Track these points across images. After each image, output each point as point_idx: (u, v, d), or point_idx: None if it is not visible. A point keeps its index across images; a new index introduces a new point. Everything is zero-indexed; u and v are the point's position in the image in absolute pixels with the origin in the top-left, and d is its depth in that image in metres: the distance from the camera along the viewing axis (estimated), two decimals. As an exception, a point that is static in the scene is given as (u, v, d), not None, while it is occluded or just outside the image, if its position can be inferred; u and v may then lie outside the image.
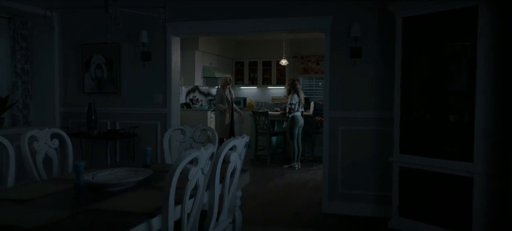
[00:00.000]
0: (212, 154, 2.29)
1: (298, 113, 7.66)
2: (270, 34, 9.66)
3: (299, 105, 7.68)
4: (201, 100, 10.82)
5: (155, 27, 5.23)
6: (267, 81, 11.61)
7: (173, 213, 2.00)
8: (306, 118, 8.04)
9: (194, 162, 2.09)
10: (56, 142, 3.18)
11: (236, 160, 2.65)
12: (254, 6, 5.09)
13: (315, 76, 11.34)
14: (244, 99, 11.44)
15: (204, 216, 2.57)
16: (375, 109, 4.78)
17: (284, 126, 7.78)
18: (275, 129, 8.46)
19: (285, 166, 7.85)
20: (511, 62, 3.86)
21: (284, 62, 10.65)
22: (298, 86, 7.80)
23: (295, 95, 7.62)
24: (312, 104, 9.02)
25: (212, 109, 9.63)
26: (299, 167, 7.72)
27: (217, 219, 2.65)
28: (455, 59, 4.10)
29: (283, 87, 10.76)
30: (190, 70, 9.58)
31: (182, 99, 9.81)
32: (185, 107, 9.69)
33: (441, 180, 4.03)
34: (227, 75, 8.35)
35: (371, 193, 4.83)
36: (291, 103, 7.57)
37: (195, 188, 2.22)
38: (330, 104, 4.94)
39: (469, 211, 3.81)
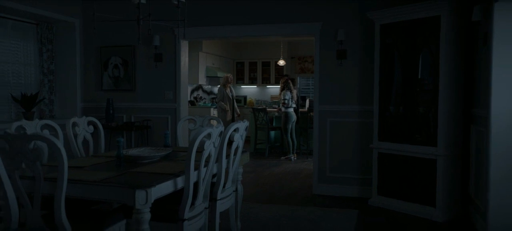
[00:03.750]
0: (221, 132, 3.01)
1: (291, 110, 8.36)
2: (268, 37, 10.38)
3: (291, 101, 8.37)
4: (204, 98, 11.54)
5: (166, 32, 5.98)
6: (266, 81, 12.32)
7: (193, 170, 2.72)
8: (302, 114, 8.77)
9: (207, 136, 2.81)
10: (91, 127, 3.90)
11: (238, 140, 3.37)
12: (253, 13, 5.81)
13: (311, 75, 12.03)
14: (245, 97, 12.17)
15: (213, 186, 3.30)
16: (358, 103, 5.49)
17: (277, 114, 8.49)
18: (273, 124, 9.19)
19: (282, 157, 8.56)
20: (469, 62, 4.59)
21: (282, 62, 11.40)
22: (290, 84, 8.48)
23: (288, 92, 8.32)
24: (307, 101, 9.75)
25: (214, 107, 10.34)
26: (295, 158, 8.43)
27: (224, 186, 3.37)
28: (424, 60, 4.82)
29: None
30: (194, 70, 10.28)
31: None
32: (189, 105, 10.40)
33: (412, 162, 4.75)
34: (228, 75, 9.07)
35: (355, 176, 5.54)
36: (284, 99, 8.29)
37: (207, 160, 2.94)
38: (320, 99, 5.65)
39: (434, 188, 4.54)
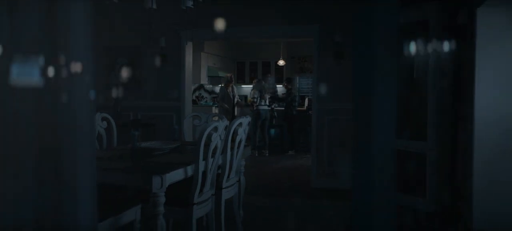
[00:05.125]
0: (226, 126, 3.31)
1: (262, 107, 8.81)
2: (268, 38, 10.69)
3: (259, 100, 8.80)
4: (206, 98, 11.83)
5: (171, 33, 6.27)
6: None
7: (202, 161, 3.02)
8: (301, 113, 9.08)
9: (214, 129, 3.10)
10: (105, 123, 4.19)
11: (241, 134, 3.67)
12: (254, 15, 6.12)
13: (310, 75, 12.32)
14: (245, 96, 12.45)
15: (219, 176, 3.60)
16: (354, 102, 5.79)
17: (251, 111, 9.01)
18: (273, 122, 9.49)
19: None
20: (458, 62, 4.89)
21: (282, 62, 11.70)
22: (262, 84, 8.97)
23: (257, 92, 8.83)
24: (307, 100, 10.07)
25: (215, 106, 10.64)
26: (268, 154, 8.86)
27: (228, 176, 3.67)
28: (416, 60, 5.12)
29: (281, 86, 11.76)
30: (196, 70, 10.58)
31: (189, 97, 10.79)
32: (191, 104, 10.68)
33: (404, 156, 5.04)
34: (229, 75, 9.38)
35: (351, 170, 5.83)
36: (253, 97, 8.80)
37: (214, 151, 3.24)
38: (318, 98, 5.96)
39: (424, 180, 4.84)
